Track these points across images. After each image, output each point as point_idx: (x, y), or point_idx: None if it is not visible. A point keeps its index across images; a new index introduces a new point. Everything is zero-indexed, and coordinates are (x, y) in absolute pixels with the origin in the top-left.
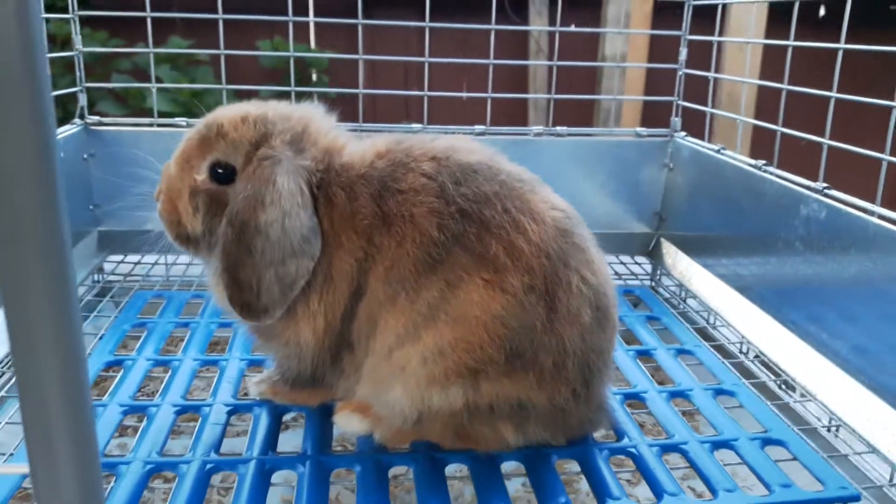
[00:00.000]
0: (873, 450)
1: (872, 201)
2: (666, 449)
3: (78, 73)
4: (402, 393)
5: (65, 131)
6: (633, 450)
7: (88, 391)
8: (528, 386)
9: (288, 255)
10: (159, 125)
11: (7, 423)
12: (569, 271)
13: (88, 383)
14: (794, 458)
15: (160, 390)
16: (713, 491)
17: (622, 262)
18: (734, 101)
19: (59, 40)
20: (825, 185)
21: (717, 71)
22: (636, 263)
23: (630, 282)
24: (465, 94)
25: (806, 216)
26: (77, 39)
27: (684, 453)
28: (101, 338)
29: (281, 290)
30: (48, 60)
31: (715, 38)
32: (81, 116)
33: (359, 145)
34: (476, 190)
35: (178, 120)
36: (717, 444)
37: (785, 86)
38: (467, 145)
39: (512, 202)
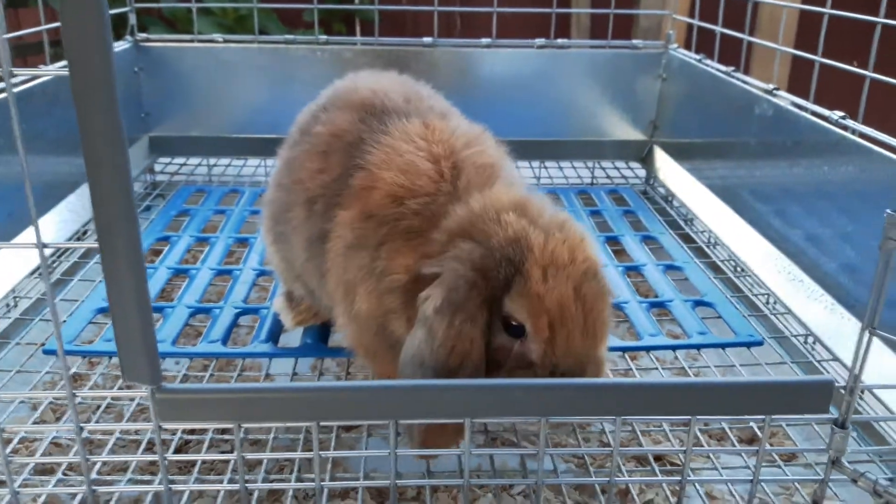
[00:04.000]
0: (789, 311)
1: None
2: None
3: None
4: None
5: (117, 47)
6: None
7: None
8: None
9: None
10: (199, 41)
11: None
12: None
13: (141, 245)
14: (719, 317)
15: (200, 259)
16: (639, 335)
17: (616, 168)
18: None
19: None
20: (774, 86)
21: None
22: (629, 168)
23: (619, 183)
24: (458, 9)
25: (759, 115)
26: None
27: (623, 309)
28: (151, 221)
29: None
30: None
31: None
32: (132, 34)
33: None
34: None
35: (215, 36)
36: (654, 304)
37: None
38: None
39: None
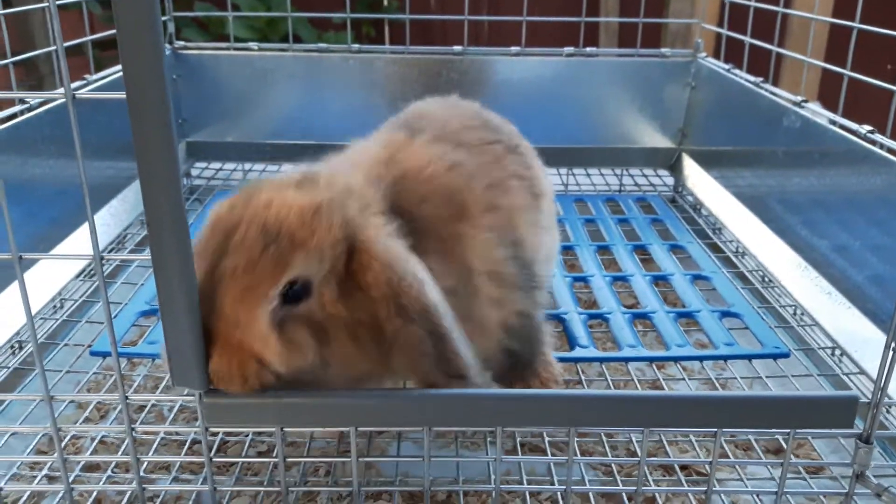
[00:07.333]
0: (816, 323)
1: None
2: (637, 316)
3: (166, 4)
4: None
5: None
6: (609, 315)
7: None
8: None
9: None
10: (235, 49)
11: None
12: None
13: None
14: (746, 328)
15: None
16: (666, 345)
17: (644, 175)
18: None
19: None
20: (802, 98)
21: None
22: (657, 176)
23: (647, 191)
24: (488, 18)
25: (787, 127)
26: None
27: (650, 319)
28: (190, 225)
29: None
30: None
31: None
32: (170, 42)
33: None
34: None
35: (251, 44)
36: (681, 314)
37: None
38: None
39: None
